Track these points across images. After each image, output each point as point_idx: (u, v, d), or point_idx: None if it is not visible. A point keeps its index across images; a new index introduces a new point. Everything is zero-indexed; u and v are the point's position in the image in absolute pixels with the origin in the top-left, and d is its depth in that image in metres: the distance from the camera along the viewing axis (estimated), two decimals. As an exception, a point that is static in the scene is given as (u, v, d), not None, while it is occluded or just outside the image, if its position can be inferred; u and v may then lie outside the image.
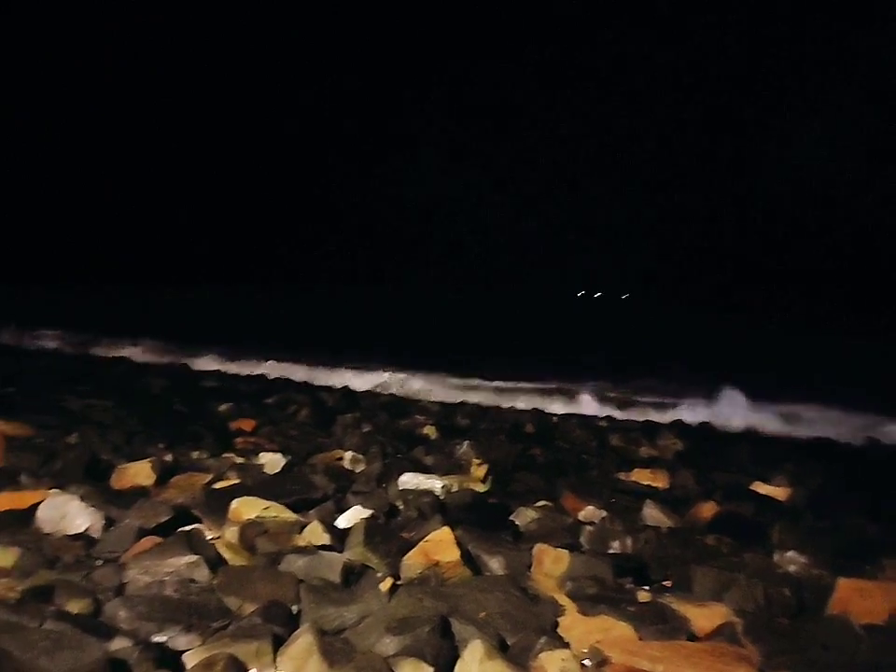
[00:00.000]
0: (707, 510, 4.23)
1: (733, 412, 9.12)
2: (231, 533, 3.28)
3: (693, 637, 2.67)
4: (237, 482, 4.16)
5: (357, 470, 4.83)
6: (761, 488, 4.84)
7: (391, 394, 10.05)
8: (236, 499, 3.56)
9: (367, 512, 3.61)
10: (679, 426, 8.16)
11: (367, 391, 10.02)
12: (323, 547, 3.21)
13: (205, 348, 13.41)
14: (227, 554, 3.14)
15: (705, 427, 8.49)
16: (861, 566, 3.42)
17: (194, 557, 2.91)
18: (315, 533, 3.32)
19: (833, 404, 9.53)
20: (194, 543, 3.06)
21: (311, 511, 3.69)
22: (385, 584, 2.80)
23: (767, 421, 8.94)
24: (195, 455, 4.87)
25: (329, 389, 9.58)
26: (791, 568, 3.32)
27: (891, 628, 2.82)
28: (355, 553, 3.11)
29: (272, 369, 11.92)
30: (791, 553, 3.39)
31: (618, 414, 9.40)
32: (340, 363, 12.18)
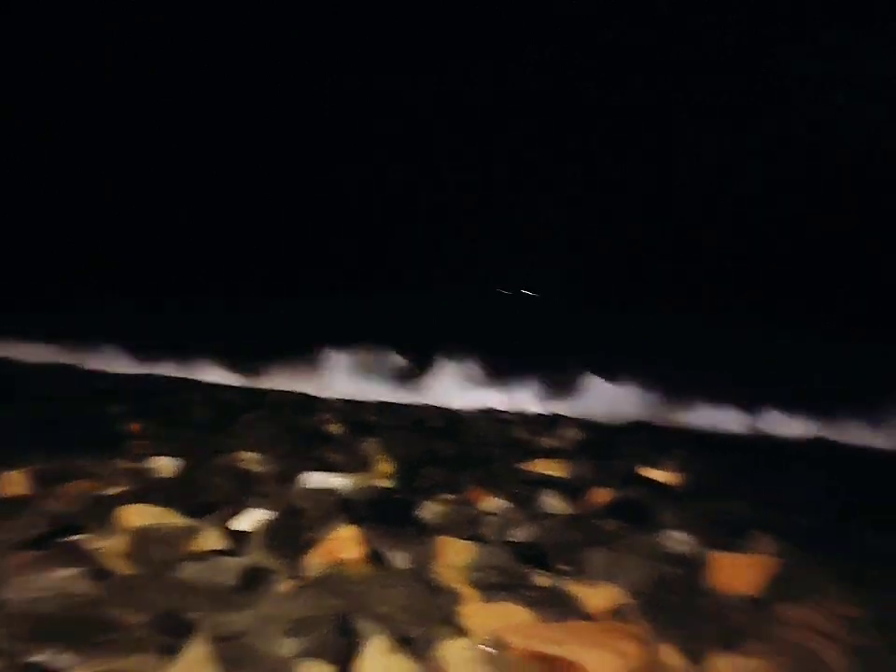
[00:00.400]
0: (603, 496, 4.44)
1: (629, 403, 9.65)
2: (119, 542, 3.09)
3: (588, 617, 2.80)
4: (126, 488, 3.92)
5: (259, 471, 4.69)
6: (652, 474, 5.15)
7: (296, 391, 9.82)
8: (124, 507, 3.36)
9: (268, 514, 3.51)
10: (580, 417, 8.52)
11: (271, 389, 9.72)
12: (221, 552, 3.10)
13: (97, 347, 12.40)
14: (114, 565, 2.96)
15: (604, 417, 8.92)
16: (736, 542, 3.72)
17: (76, 570, 2.72)
18: (211, 538, 3.19)
19: (721, 396, 10.29)
20: (77, 555, 2.86)
21: (208, 516, 3.54)
22: (286, 586, 2.74)
23: (661, 411, 9.54)
24: (79, 461, 4.54)
25: (230, 388, 9.22)
26: (677, 547, 3.55)
27: (761, 596, 3.09)
28: (254, 556, 3.02)
29: (166, 368, 11.24)
30: (677, 534, 3.63)
31: (522, 408, 9.68)
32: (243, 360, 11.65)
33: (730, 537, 3.82)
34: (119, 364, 11.49)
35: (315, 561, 3.01)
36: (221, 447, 5.32)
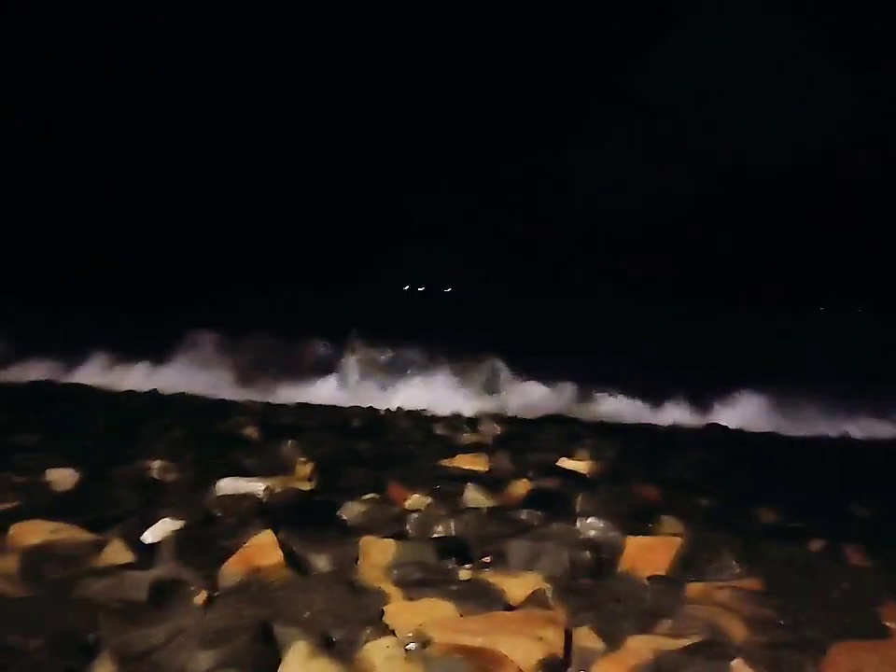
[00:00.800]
0: (521, 487, 4.55)
1: (542, 397, 9.99)
2: (9, 562, 2.85)
3: (509, 607, 2.86)
4: (16, 504, 3.62)
5: (168, 480, 4.46)
6: (566, 464, 5.32)
7: (208, 395, 9.40)
8: (16, 524, 3.10)
9: (178, 524, 3.35)
10: (497, 413, 8.69)
11: (179, 393, 9.26)
12: (127, 566, 2.93)
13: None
14: (5, 587, 2.72)
15: (520, 412, 9.14)
16: (646, 525, 3.92)
17: (-41, 596, 2.48)
18: (116, 552, 3.01)
19: (628, 387, 10.82)
20: (-40, 580, 2.61)
21: (112, 529, 3.33)
22: (200, 598, 2.63)
23: (572, 404, 9.91)
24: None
25: (132, 394, 8.70)
26: (591, 533, 3.69)
27: (670, 576, 3.26)
28: (164, 568, 2.87)
29: (57, 372, 10.30)
30: (590, 520, 3.76)
31: (442, 405, 9.75)
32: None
33: (640, 521, 4.01)
34: (6, 371, 10.51)
35: (232, 570, 2.90)
36: (124, 456, 5.02)
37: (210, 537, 3.39)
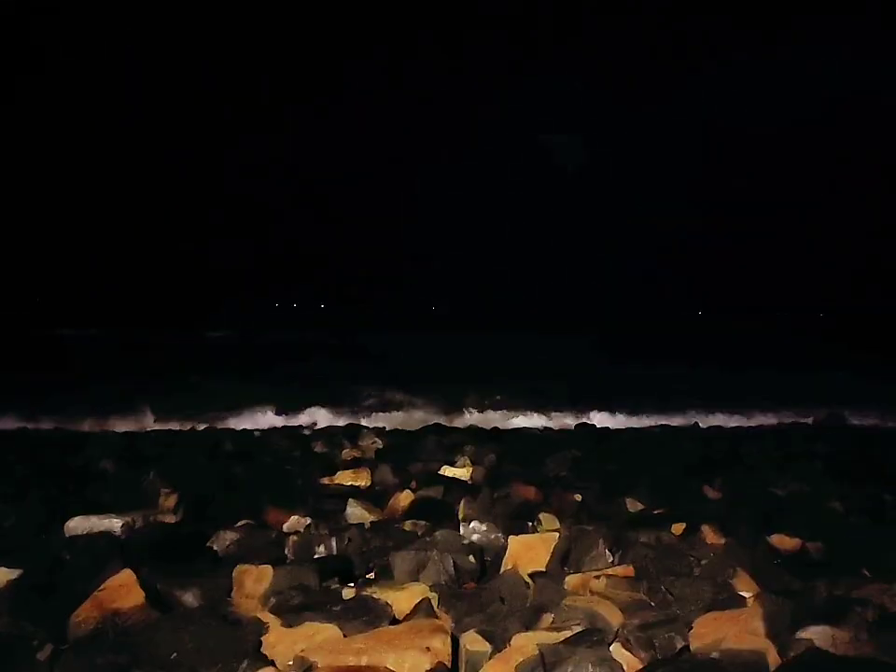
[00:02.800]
0: (405, 498, 4.50)
1: (418, 411, 10.21)
2: None
3: (395, 621, 2.79)
4: None
5: (6, 525, 3.93)
6: (448, 471, 5.35)
7: (58, 428, 8.47)
8: None
9: (15, 573, 2.94)
10: (377, 427, 8.59)
11: (20, 428, 8.27)
12: (-50, 628, 2.51)
13: None
14: None
15: (398, 425, 9.13)
16: (526, 525, 4.02)
17: None
18: (-63, 612, 2.58)
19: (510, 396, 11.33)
20: None
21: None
22: (45, 653, 2.31)
23: (449, 415, 10.13)
24: None
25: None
26: (475, 537, 3.72)
27: (550, 571, 3.35)
28: (0, 624, 2.50)
29: None
30: (473, 524, 3.80)
31: (323, 421, 9.50)
32: None
33: (519, 520, 4.11)
34: None
35: (83, 617, 2.58)
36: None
37: (57, 583, 3.01)
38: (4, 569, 2.97)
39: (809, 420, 10.07)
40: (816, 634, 2.51)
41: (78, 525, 3.77)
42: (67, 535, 3.68)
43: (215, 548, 3.69)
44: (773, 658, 2.39)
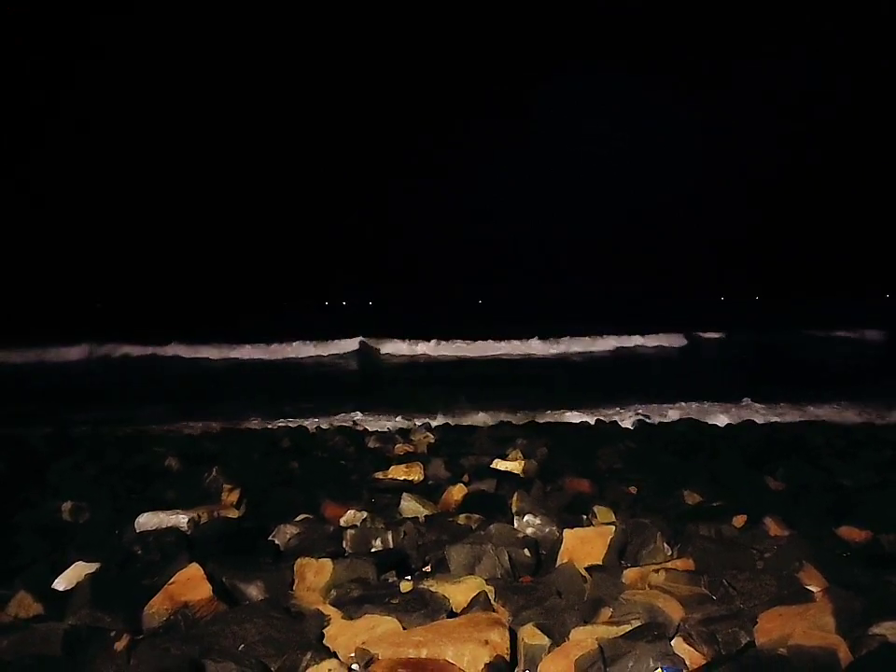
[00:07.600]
0: (458, 492, 4.53)
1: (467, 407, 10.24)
2: None
3: (452, 614, 2.81)
4: None
5: (81, 521, 4.15)
6: (500, 465, 5.35)
7: (120, 427, 8.85)
8: None
9: (93, 567, 3.10)
10: (428, 423, 8.67)
11: (85, 429, 8.66)
12: (36, 618, 2.68)
13: None
14: None
15: (452, 420, 9.18)
16: (580, 518, 3.98)
17: None
18: (22, 604, 2.75)
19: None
20: None
21: (14, 580, 3.04)
22: (122, 643, 2.43)
23: (498, 410, 10.12)
24: None
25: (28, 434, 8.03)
26: (529, 531, 3.71)
27: (606, 564, 3.32)
28: (80, 616, 2.64)
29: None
30: (527, 517, 3.79)
31: (374, 420, 9.63)
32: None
33: (575, 513, 4.08)
34: None
35: (156, 609, 2.70)
36: (25, 501, 4.63)
37: (130, 577, 3.16)
38: (83, 563, 3.14)
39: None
40: (890, 629, 2.41)
41: (148, 520, 3.93)
42: (138, 530, 3.84)
43: (276, 542, 3.80)
44: (844, 655, 2.31)
